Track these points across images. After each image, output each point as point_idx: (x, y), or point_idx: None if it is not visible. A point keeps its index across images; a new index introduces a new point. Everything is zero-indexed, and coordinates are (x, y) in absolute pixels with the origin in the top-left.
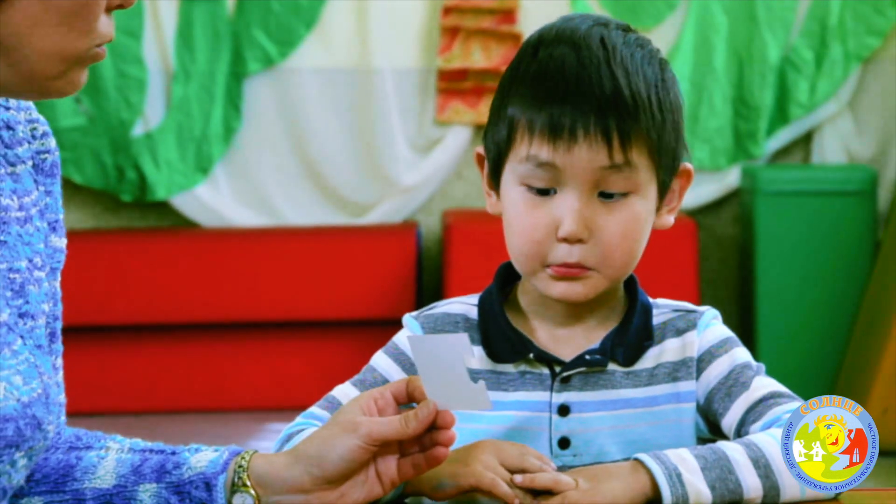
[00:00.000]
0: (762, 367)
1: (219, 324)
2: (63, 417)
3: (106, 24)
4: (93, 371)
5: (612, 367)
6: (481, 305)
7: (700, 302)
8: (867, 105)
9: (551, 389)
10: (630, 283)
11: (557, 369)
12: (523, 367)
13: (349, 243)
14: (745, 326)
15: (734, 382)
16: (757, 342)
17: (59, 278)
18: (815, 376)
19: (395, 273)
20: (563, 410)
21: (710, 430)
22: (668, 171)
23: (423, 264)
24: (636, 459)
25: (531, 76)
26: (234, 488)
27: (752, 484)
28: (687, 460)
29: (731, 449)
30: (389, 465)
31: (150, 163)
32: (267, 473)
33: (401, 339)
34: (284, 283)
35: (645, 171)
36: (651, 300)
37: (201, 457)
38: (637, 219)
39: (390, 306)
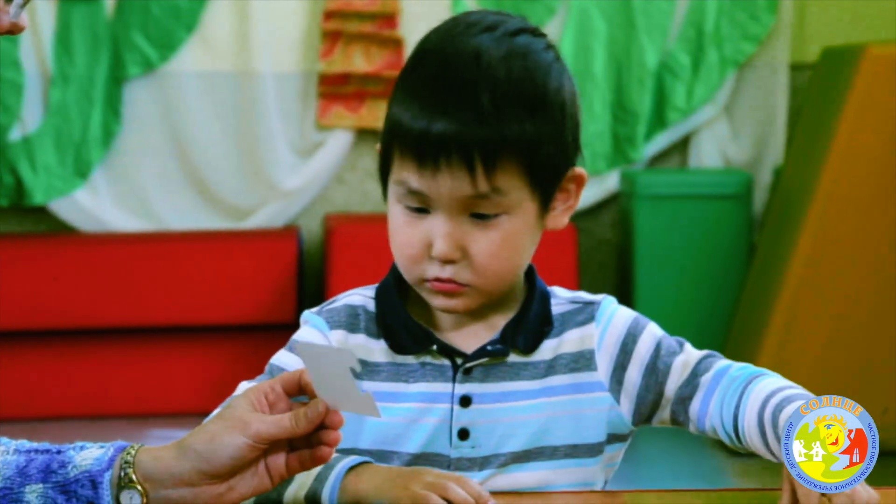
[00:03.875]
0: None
1: (100, 329)
2: None
3: None
4: None
5: (512, 358)
6: (378, 298)
7: None
8: (743, 110)
9: (454, 381)
10: (528, 273)
11: (459, 361)
12: (425, 359)
13: (231, 248)
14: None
15: (667, 352)
16: None
17: None
18: None
19: (277, 277)
20: (465, 401)
21: (649, 412)
22: (549, 182)
23: (304, 268)
24: None
25: (408, 90)
26: (121, 485)
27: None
28: None
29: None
30: (278, 460)
31: (28, 167)
32: (154, 468)
33: (301, 335)
34: (166, 288)
35: (516, 191)
36: (549, 288)
37: (86, 454)
38: (510, 237)
39: (272, 311)
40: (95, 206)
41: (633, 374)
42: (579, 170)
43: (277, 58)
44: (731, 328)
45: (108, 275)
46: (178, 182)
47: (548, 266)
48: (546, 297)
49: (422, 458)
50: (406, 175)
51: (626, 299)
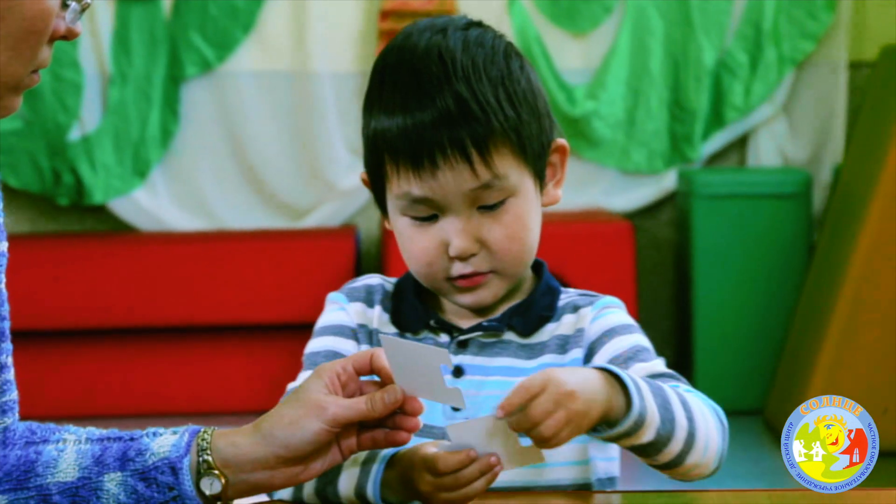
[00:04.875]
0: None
1: (157, 328)
2: (16, 415)
3: (46, 53)
4: (30, 376)
5: (509, 336)
6: (398, 282)
7: (638, 304)
8: (801, 108)
9: (447, 352)
10: (537, 267)
11: (455, 334)
12: (424, 334)
13: (288, 247)
14: (681, 329)
15: (633, 356)
16: (694, 344)
17: (3, 279)
18: (751, 377)
19: (335, 276)
20: (458, 372)
21: None
22: (538, 157)
23: (362, 267)
24: (602, 369)
25: (385, 104)
26: (201, 471)
27: (680, 422)
28: (638, 380)
29: (664, 387)
30: (350, 438)
31: (87, 167)
32: (233, 455)
33: (325, 320)
34: (223, 287)
35: (514, 172)
36: (560, 287)
37: (163, 441)
38: (520, 218)
39: None
40: (154, 205)
41: (597, 362)
42: (561, 141)
43: (334, 57)
44: (790, 328)
45: (166, 274)
46: (236, 181)
47: (605, 265)
48: (554, 292)
49: (419, 431)
50: (407, 186)
51: (683, 299)
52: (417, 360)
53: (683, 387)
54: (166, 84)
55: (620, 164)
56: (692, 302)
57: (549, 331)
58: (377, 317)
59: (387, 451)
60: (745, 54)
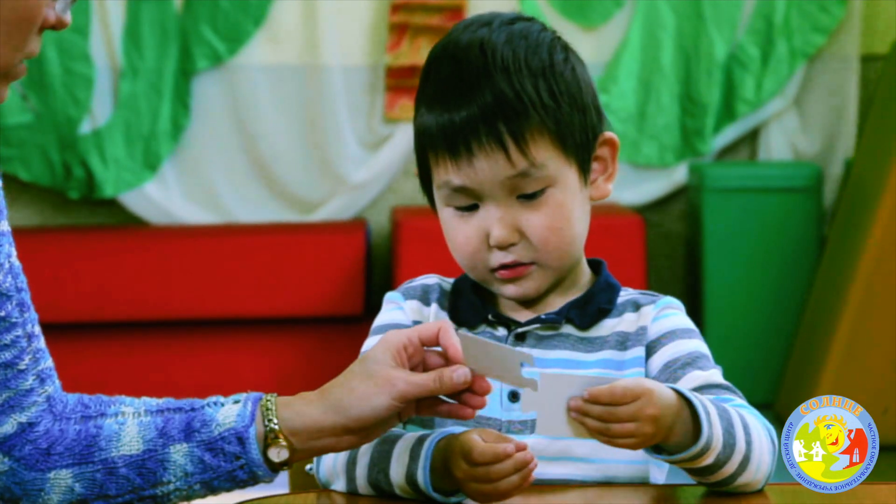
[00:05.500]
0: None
1: (167, 321)
2: (56, 382)
3: (35, 42)
4: None
5: (568, 329)
6: (456, 280)
7: None
8: (813, 102)
9: (506, 344)
10: (597, 265)
11: (513, 327)
12: (482, 328)
13: (298, 240)
14: (693, 322)
15: (691, 362)
16: (705, 337)
17: (14, 253)
18: (762, 370)
19: (345, 270)
20: None
21: None
22: (583, 149)
23: (372, 261)
24: (672, 389)
25: (427, 98)
26: (268, 441)
27: (739, 446)
28: (707, 404)
29: (729, 409)
30: (410, 406)
31: (98, 160)
32: (302, 424)
33: (382, 319)
34: (234, 280)
35: (553, 162)
36: (620, 285)
37: (227, 412)
38: (561, 208)
39: (340, 303)
40: (164, 198)
41: (655, 363)
42: (609, 134)
43: (345, 51)
44: (801, 321)
45: (177, 267)
46: (246, 175)
47: (616, 258)
48: (613, 288)
49: (476, 422)
50: (446, 175)
51: (694, 292)
52: (496, 358)
53: (738, 401)
54: (177, 77)
55: (631, 157)
56: (703, 295)
57: (609, 326)
58: (434, 314)
59: (434, 436)
60: (757, 48)
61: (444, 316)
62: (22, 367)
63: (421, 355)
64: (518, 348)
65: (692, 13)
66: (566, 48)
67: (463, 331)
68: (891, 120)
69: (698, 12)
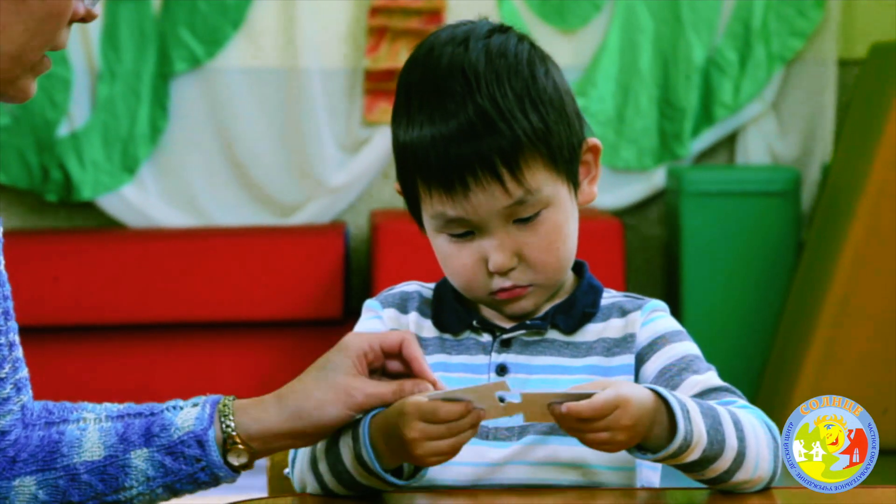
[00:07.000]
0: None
1: (146, 325)
2: (30, 391)
3: (65, 34)
4: None
5: (553, 335)
6: (437, 286)
7: None
8: (790, 106)
9: (491, 351)
10: (579, 268)
11: (498, 334)
12: (466, 335)
13: (277, 244)
14: None
15: (686, 366)
16: None
17: (2, 261)
18: (740, 374)
19: (324, 273)
20: (501, 370)
21: None
22: (570, 161)
23: (351, 264)
24: (650, 389)
25: (410, 122)
26: (227, 446)
27: (730, 442)
28: (688, 402)
29: (717, 407)
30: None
31: (76, 163)
32: (258, 430)
33: (360, 327)
34: (212, 283)
35: (547, 184)
36: (602, 287)
37: (185, 416)
38: (557, 227)
39: (318, 307)
40: (142, 201)
41: (649, 371)
42: (593, 140)
43: (323, 54)
44: (779, 325)
45: (155, 270)
46: (225, 178)
47: (594, 262)
48: (596, 290)
49: None
50: (441, 207)
51: (673, 296)
52: (472, 400)
53: (740, 402)
54: (155, 80)
55: (610, 161)
56: (681, 299)
57: (594, 331)
58: (413, 322)
59: (369, 413)
60: (735, 52)
61: (428, 323)
62: (2, 375)
63: (381, 360)
64: (491, 381)
65: (670, 17)
66: (544, 58)
67: (431, 392)
68: (868, 124)
69: (677, 16)
